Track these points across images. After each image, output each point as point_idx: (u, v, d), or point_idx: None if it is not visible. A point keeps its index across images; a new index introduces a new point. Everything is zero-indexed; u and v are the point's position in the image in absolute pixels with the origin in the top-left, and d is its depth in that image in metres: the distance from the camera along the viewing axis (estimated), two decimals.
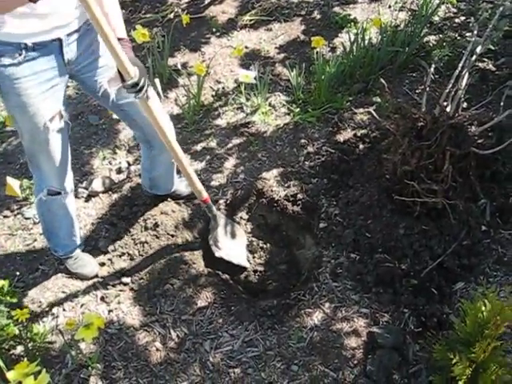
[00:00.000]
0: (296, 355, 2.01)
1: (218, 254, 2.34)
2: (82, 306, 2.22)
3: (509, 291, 2.07)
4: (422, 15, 3.28)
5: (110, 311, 2.20)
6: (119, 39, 1.66)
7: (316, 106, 2.97)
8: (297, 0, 3.83)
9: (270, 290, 2.35)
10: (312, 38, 2.81)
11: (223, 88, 3.19)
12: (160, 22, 3.67)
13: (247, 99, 3.04)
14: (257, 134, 2.90)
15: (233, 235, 2.42)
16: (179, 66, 3.26)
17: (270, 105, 3.05)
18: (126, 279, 2.29)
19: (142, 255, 2.36)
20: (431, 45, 3.32)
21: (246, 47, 3.45)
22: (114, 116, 2.53)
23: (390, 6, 3.71)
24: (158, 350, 2.07)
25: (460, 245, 2.21)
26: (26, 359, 1.92)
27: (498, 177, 2.42)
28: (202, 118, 3.02)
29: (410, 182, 2.17)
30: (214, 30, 3.61)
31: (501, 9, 2.59)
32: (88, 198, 2.63)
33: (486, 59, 3.19)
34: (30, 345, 2.03)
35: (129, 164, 2.80)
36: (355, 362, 1.98)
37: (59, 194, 2.06)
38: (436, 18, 3.53)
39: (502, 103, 2.45)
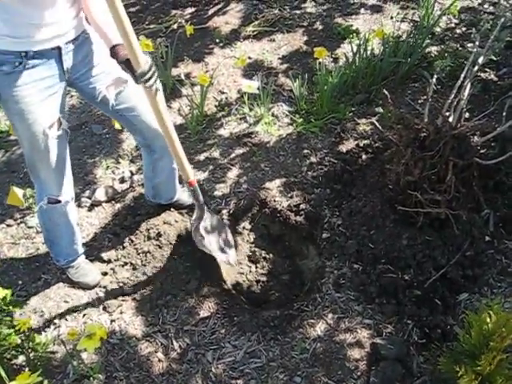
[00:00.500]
0: (299, 366, 2.00)
1: (202, 247, 2.24)
2: (84, 315, 2.21)
3: None
4: (424, 26, 3.29)
5: (112, 321, 2.19)
6: (118, 45, 1.68)
7: (319, 117, 2.97)
8: (299, 11, 3.85)
9: (272, 300, 2.34)
10: (315, 49, 2.83)
11: (226, 98, 3.20)
12: (164, 33, 3.70)
13: (250, 109, 3.05)
14: (260, 144, 2.90)
15: (216, 229, 2.32)
16: (183, 77, 3.28)
17: (272, 115, 3.06)
18: (128, 289, 2.29)
19: (145, 265, 2.35)
20: (433, 55, 3.33)
21: (249, 58, 3.46)
22: (117, 126, 2.54)
23: (392, 17, 3.73)
24: (160, 360, 2.06)
25: (463, 255, 2.20)
26: (27, 369, 1.91)
27: (501, 187, 2.42)
28: (205, 128, 3.03)
29: (413, 192, 2.17)
30: (217, 40, 3.63)
31: (502, 19, 2.60)
32: (91, 208, 2.64)
33: (487, 69, 3.20)
34: (31, 355, 2.02)
35: (132, 173, 2.80)
36: (358, 373, 1.96)
37: (59, 202, 2.07)
38: (438, 29, 3.55)
39: (504, 113, 2.45)
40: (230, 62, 3.45)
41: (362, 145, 2.80)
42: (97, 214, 2.61)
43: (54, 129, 1.83)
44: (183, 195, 2.55)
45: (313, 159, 2.78)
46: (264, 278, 2.43)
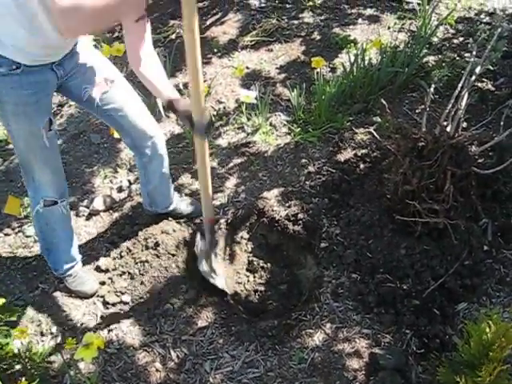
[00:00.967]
0: (297, 376, 1.99)
1: (213, 281, 2.29)
2: (81, 325, 2.20)
3: None
4: (421, 36, 3.31)
5: (109, 331, 2.18)
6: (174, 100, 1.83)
7: (316, 126, 2.98)
8: (297, 21, 3.88)
9: (270, 310, 2.33)
10: (312, 59, 2.85)
11: (224, 108, 3.21)
12: (162, 43, 3.71)
13: (248, 119, 3.06)
14: (258, 153, 2.91)
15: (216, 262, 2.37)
16: (181, 86, 3.28)
17: (270, 124, 3.07)
18: (126, 298, 2.28)
19: (143, 274, 2.35)
20: (430, 65, 3.35)
21: (247, 67, 3.48)
22: (116, 135, 2.54)
23: (389, 27, 3.75)
24: (157, 370, 2.05)
25: (462, 265, 2.20)
26: (24, 379, 1.89)
27: (499, 196, 2.43)
28: None
29: (411, 201, 2.17)
30: (215, 50, 3.65)
31: (499, 30, 2.63)
32: (89, 217, 2.63)
33: (485, 79, 3.22)
34: (28, 364, 2.00)
35: (130, 183, 2.80)
36: (357, 383, 1.95)
37: (55, 203, 2.08)
38: (435, 39, 3.57)
39: (501, 123, 2.47)
40: (227, 71, 3.46)
41: (359, 154, 2.81)
42: (94, 223, 2.60)
43: (47, 128, 1.87)
44: (181, 204, 2.55)
45: (311, 169, 2.79)
46: (262, 288, 2.42)
